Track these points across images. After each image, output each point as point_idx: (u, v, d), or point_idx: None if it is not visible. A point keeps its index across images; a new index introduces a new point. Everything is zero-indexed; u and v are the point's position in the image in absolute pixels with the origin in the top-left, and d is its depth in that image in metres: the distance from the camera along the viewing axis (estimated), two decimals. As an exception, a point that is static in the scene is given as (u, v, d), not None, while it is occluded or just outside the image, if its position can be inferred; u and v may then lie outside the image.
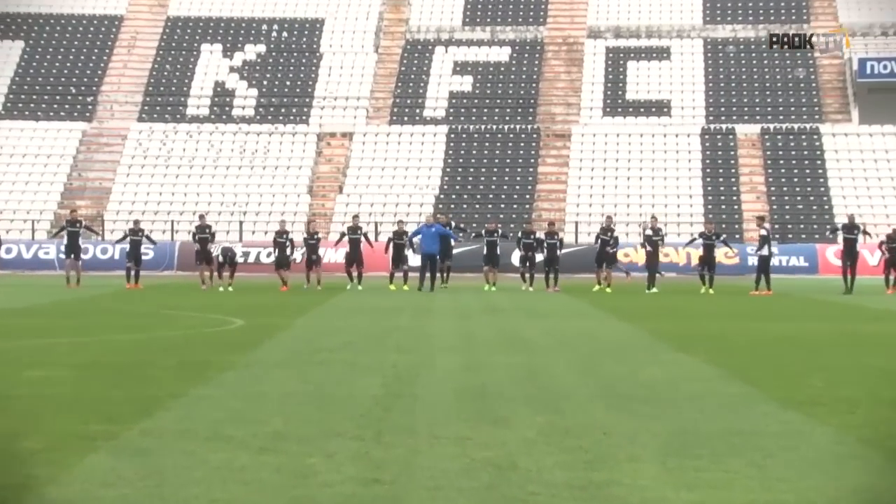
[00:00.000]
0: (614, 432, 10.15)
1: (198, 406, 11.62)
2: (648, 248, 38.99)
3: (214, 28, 70.54)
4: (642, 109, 65.70)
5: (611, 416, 11.12)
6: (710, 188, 61.01)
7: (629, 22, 70.27)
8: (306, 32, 70.58)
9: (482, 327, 22.39)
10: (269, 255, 45.16)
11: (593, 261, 39.21)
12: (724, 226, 55.39)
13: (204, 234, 38.77)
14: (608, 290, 37.40)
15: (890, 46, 67.13)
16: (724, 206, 60.04)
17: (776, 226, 53.96)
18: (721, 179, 61.66)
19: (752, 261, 51.17)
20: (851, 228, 37.68)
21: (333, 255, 48.25)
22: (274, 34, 70.26)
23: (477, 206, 60.31)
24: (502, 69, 68.05)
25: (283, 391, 12.77)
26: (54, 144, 64.39)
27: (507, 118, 65.59)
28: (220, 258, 37.93)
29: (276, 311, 27.14)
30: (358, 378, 13.88)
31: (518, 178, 62.17)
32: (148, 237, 41.11)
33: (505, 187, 61.58)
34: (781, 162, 62.45)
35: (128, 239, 39.59)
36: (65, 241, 39.34)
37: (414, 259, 39.28)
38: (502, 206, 60.38)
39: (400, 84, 67.77)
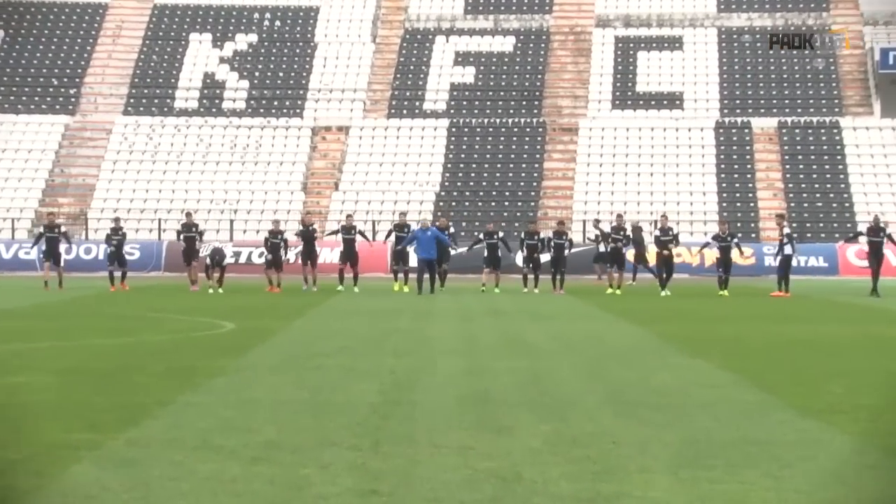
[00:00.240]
0: (623, 441, 10.15)
1: (186, 414, 11.61)
2: (657, 248, 38.89)
3: (204, 16, 70.55)
4: (653, 102, 65.68)
5: (620, 424, 11.12)
6: (724, 185, 60.99)
7: (639, 10, 70.27)
8: (300, 21, 70.59)
9: (484, 330, 22.39)
10: (261, 255, 45.10)
11: (604, 262, 39.28)
12: (739, 224, 55.41)
13: (190, 232, 38.73)
14: (617, 291, 37.40)
15: (913, 36, 67.16)
16: (739, 204, 60.02)
17: (794, 224, 53.93)
18: (736, 176, 61.64)
19: (769, 261, 51.23)
20: (877, 231, 37.69)
21: (329, 254, 48.22)
22: (266, 23, 70.26)
23: (479, 203, 60.31)
24: (506, 60, 68.05)
25: (275, 398, 12.77)
26: (35, 139, 64.39)
27: (511, 111, 65.57)
28: (209, 260, 37.93)
29: (268, 313, 27.14)
30: (354, 384, 13.88)
31: (523, 175, 62.16)
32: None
33: (509, 184, 61.58)
34: (799, 157, 62.43)
35: (112, 241, 39.42)
36: (43, 246, 39.18)
37: (413, 258, 39.26)
38: (506, 203, 60.38)
39: (398, 75, 67.76)
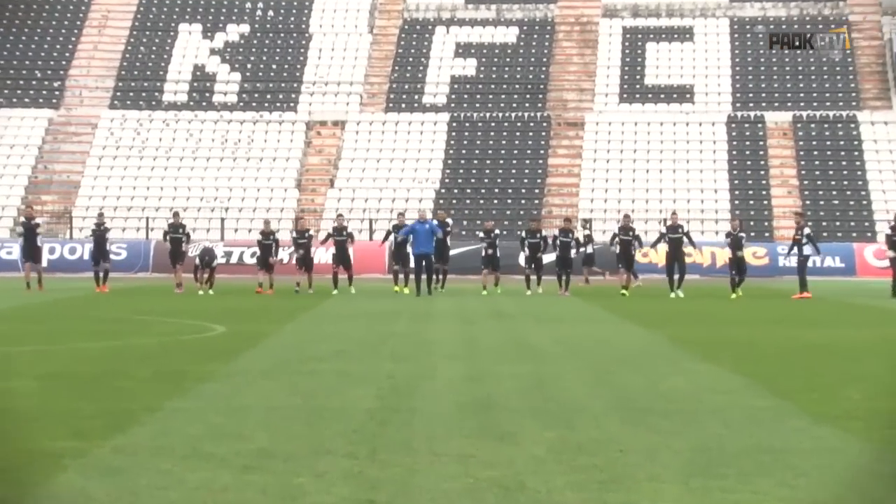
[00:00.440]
0: (631, 449, 10.15)
1: (175, 421, 11.61)
2: (668, 248, 38.77)
3: (193, 6, 70.58)
4: (662, 95, 65.72)
5: (627, 431, 11.12)
6: (736, 182, 61.02)
7: (648, -1, 70.33)
8: (294, 11, 70.62)
9: (486, 334, 22.39)
10: (252, 255, 45.15)
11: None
12: (752, 223, 55.43)
13: (177, 233, 38.67)
14: (625, 293, 37.39)
15: (934, 26, 67.17)
16: (752, 202, 60.04)
17: (809, 223, 53.91)
18: (749, 172, 61.67)
19: (784, 261, 51.27)
20: None
21: (324, 254, 48.23)
22: (259, 13, 70.29)
23: (481, 201, 60.34)
24: (509, 51, 68.07)
25: (268, 404, 12.78)
26: (17, 134, 64.42)
27: (515, 105, 65.60)
28: (198, 261, 37.91)
29: (260, 316, 27.15)
30: (350, 389, 13.88)
31: (526, 171, 62.18)
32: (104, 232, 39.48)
33: (512, 181, 61.60)
34: (815, 153, 62.45)
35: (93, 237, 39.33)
36: (21, 242, 39.17)
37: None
38: (509, 201, 60.41)
39: (397, 68, 67.79)
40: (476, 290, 38.85)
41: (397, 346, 19.85)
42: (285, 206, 60.14)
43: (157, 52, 68.44)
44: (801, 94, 65.56)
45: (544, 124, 64.36)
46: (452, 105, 65.67)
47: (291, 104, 66.13)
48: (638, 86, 66.34)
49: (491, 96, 66.20)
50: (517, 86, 66.75)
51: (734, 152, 62.56)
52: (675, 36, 68.38)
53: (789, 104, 65.06)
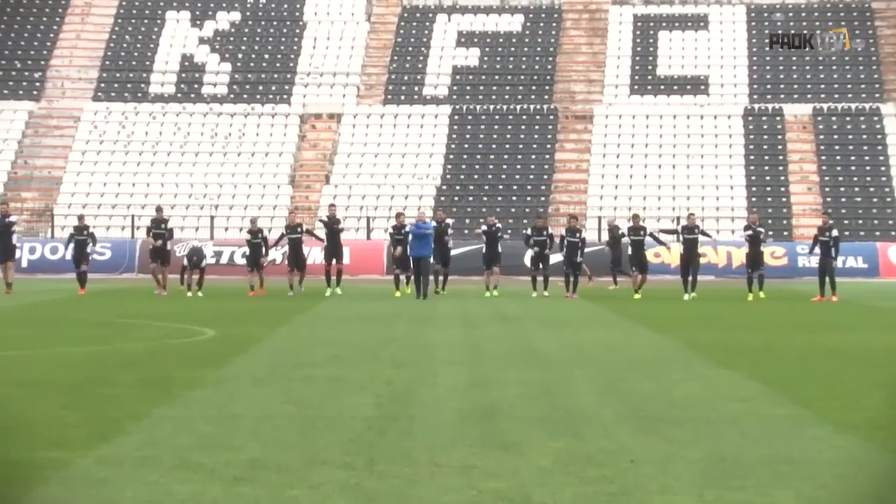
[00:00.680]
0: (643, 460, 10.15)
1: (162, 429, 11.62)
2: (683, 249, 38.72)
3: (181, -7, 70.57)
4: (676, 87, 65.71)
5: (639, 440, 11.13)
6: (753, 178, 61.01)
7: (660, -14, 70.32)
8: (287, -2, 70.62)
9: (490, 338, 22.41)
10: (243, 255, 45.15)
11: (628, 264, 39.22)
12: (770, 221, 55.41)
13: (160, 229, 38.64)
14: (637, 295, 37.38)
15: (962, 14, 67.19)
16: (769, 199, 60.05)
17: (829, 221, 53.83)
18: (767, 168, 61.67)
19: (804, 261, 51.25)
20: None
21: (319, 254, 48.21)
22: (250, 0, 70.28)
23: (484, 199, 60.34)
24: (514, 40, 68.08)
25: (260, 412, 12.79)
26: (-4, 127, 64.46)
27: (520, 97, 65.61)
28: (186, 261, 37.93)
29: (252, 319, 27.16)
30: (347, 397, 13.89)
31: (532, 167, 62.19)
32: (91, 237, 39.86)
33: (517, 177, 61.60)
34: (836, 147, 62.45)
35: (74, 240, 39.20)
36: None
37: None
38: (513, 198, 60.42)
39: (396, 58, 67.80)
40: (479, 291, 38.85)
41: (396, 350, 19.86)
42: (278, 203, 60.15)
43: (143, 41, 68.45)
44: (822, 86, 65.55)
45: (551, 117, 64.37)
46: (454, 97, 65.67)
47: (285, 96, 66.14)
48: (650, 77, 66.34)
49: (495, 88, 66.20)
50: (522, 77, 66.76)
51: (751, 147, 62.55)
52: (689, 24, 68.37)
53: (809, 96, 65.04)
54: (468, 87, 66.26)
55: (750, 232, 37.75)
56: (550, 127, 63.99)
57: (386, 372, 16.41)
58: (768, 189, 60.70)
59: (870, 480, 9.54)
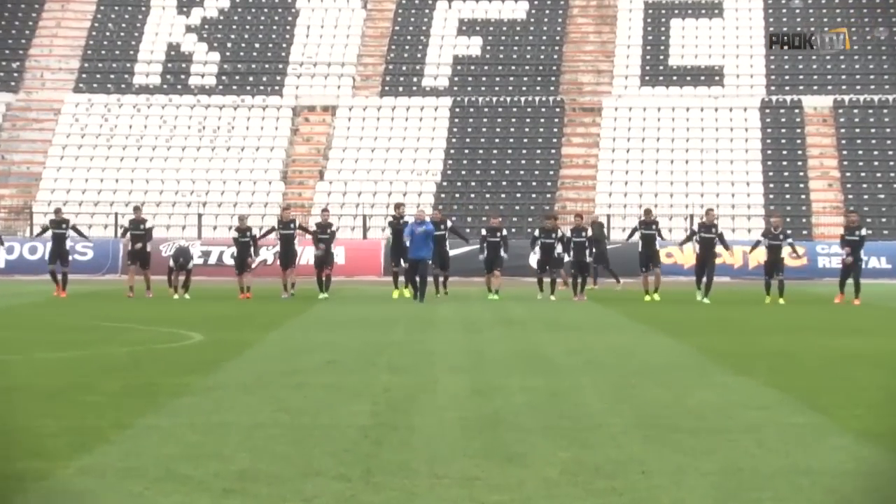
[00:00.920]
0: (655, 471, 10.16)
1: (147, 439, 11.63)
2: (700, 249, 38.64)
3: (167, -22, 70.61)
4: (689, 78, 65.72)
5: (650, 450, 11.14)
6: (771, 174, 61.02)
7: (673, -29, 70.37)
8: (279, -16, 70.66)
9: (494, 343, 22.42)
10: (232, 255, 45.19)
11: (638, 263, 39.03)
12: (788, 220, 55.40)
13: (138, 230, 38.55)
14: (656, 297, 37.25)
15: None
16: (788, 196, 60.07)
17: (857, 220, 53.87)
18: (785, 163, 61.67)
19: (824, 262, 51.26)
20: None
21: (310, 254, 48.22)
22: (240, -14, 70.30)
23: (487, 195, 60.35)
24: (518, 28, 68.10)
25: (251, 421, 12.79)
26: (-28, 120, 64.51)
27: (524, 89, 65.62)
28: (172, 262, 37.92)
29: (242, 323, 27.17)
30: (342, 405, 13.90)
31: (537, 162, 62.19)
32: (75, 229, 40.25)
33: (521, 173, 61.62)
34: (858, 141, 62.46)
35: (49, 232, 39.20)
36: None
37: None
38: (518, 195, 60.42)
39: (393, 47, 67.81)
40: (481, 293, 38.83)
41: (395, 356, 19.87)
42: (269, 200, 60.13)
43: (127, 29, 68.46)
44: (843, 77, 65.56)
45: (557, 110, 64.38)
46: (455, 88, 65.68)
47: (276, 87, 66.14)
48: (661, 67, 66.35)
49: (498, 79, 66.21)
50: (527, 67, 66.77)
51: (768, 141, 62.55)
52: (703, 11, 68.37)
53: (829, 87, 65.03)
54: (470, 78, 66.28)
55: (766, 240, 37.80)
56: (556, 120, 63.99)
57: (383, 378, 16.43)
58: (786, 186, 60.71)
59: (893, 493, 9.55)
